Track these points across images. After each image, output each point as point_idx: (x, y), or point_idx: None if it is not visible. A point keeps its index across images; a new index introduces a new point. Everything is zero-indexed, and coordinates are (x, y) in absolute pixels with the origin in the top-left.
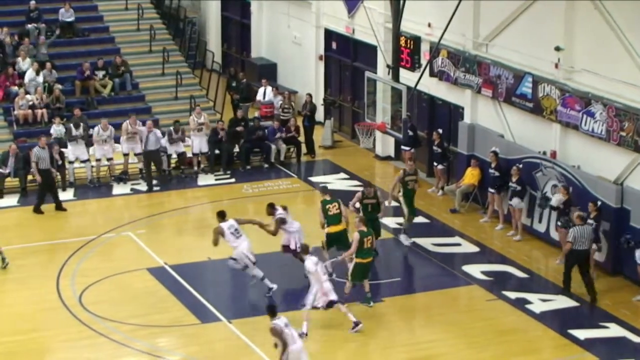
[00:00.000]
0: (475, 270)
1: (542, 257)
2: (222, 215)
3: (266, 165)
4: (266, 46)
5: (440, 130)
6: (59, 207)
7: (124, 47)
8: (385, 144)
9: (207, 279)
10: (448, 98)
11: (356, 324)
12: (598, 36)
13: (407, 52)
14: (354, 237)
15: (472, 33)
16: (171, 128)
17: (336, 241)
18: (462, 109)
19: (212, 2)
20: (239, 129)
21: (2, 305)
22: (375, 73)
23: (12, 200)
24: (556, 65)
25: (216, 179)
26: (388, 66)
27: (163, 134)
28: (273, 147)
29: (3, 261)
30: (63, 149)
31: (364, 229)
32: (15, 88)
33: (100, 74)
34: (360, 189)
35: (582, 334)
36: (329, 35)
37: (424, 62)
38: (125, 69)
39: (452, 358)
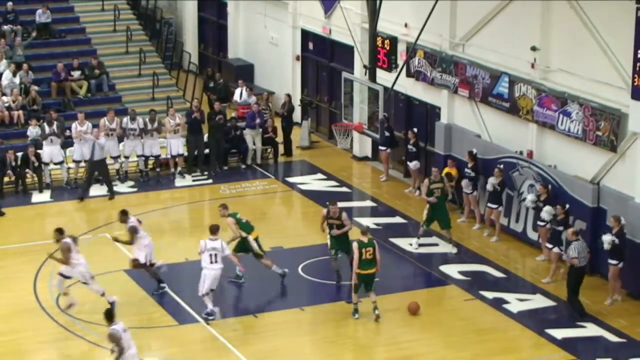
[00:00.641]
0: (452, 270)
1: (520, 257)
2: (60, 232)
3: (243, 166)
4: (243, 47)
5: (416, 130)
6: None
7: (100, 48)
8: (362, 145)
9: (184, 280)
10: (425, 98)
11: None
12: (574, 36)
13: (383, 52)
14: (353, 246)
15: (448, 33)
16: (147, 118)
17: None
18: (439, 109)
19: (188, 2)
20: (217, 117)
21: None
22: (352, 73)
23: None
24: (532, 65)
25: (193, 180)
26: (365, 66)
27: (140, 124)
28: (250, 147)
29: None
30: (39, 151)
31: (364, 239)
32: None
33: (76, 73)
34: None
35: (559, 333)
36: (306, 35)
37: (400, 62)
38: (102, 70)
39: (431, 357)
